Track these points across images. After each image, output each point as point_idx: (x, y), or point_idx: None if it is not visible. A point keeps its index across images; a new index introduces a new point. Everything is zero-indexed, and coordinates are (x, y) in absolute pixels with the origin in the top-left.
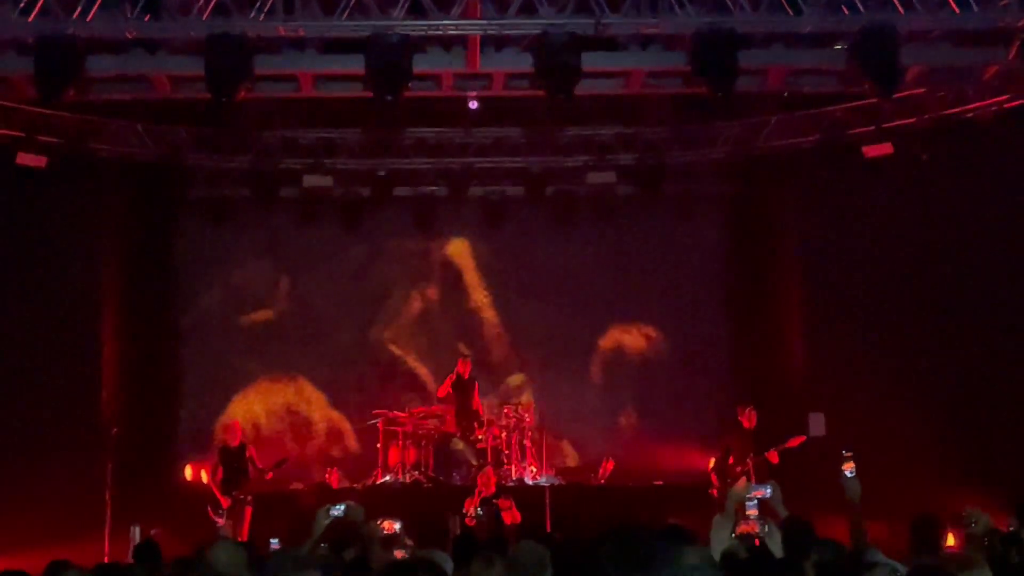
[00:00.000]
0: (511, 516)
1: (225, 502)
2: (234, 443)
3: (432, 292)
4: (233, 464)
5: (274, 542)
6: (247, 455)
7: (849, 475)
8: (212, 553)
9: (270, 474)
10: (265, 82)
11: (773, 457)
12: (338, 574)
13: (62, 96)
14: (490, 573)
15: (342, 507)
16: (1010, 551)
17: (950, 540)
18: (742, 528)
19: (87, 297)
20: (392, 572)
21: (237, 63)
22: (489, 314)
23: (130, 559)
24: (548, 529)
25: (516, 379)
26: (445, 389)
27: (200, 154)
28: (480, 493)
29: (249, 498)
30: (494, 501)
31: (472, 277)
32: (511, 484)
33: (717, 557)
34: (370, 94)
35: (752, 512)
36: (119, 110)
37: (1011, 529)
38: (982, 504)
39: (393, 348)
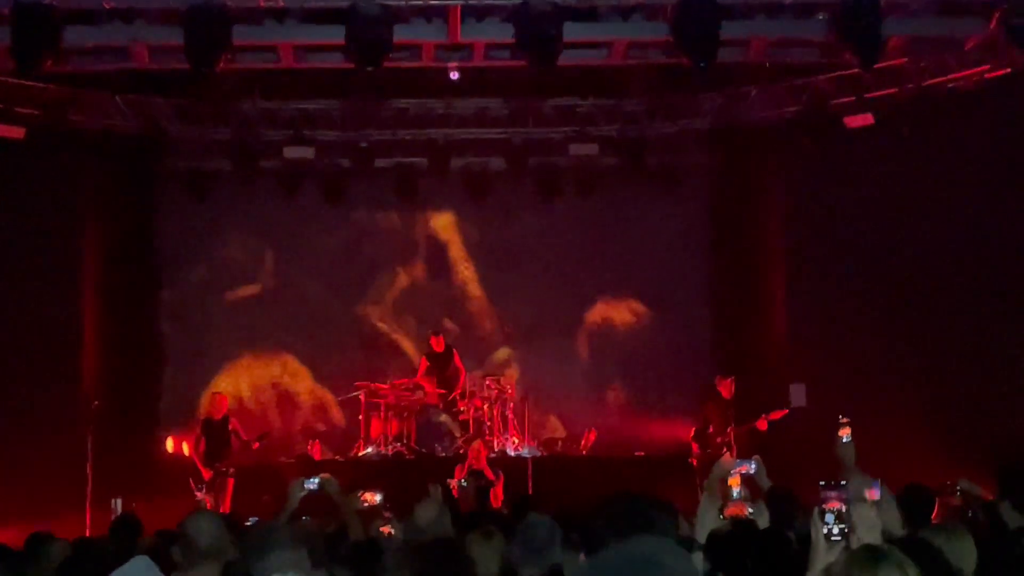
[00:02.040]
0: (494, 498)
1: (207, 474)
2: (218, 415)
3: (417, 266)
4: (216, 436)
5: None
6: (230, 427)
7: (845, 440)
8: (192, 525)
9: (256, 444)
10: (245, 53)
11: (762, 424)
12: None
13: (39, 67)
14: (490, 546)
15: (316, 480)
16: (985, 516)
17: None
18: (731, 510)
19: (67, 269)
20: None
21: (216, 34)
22: (474, 288)
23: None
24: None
25: (502, 353)
26: (421, 370)
27: (180, 126)
28: (470, 465)
29: (231, 470)
30: (484, 477)
31: (457, 250)
32: (493, 455)
33: (703, 538)
34: (351, 65)
35: (735, 483)
36: (98, 81)
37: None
38: (968, 474)
39: (378, 323)
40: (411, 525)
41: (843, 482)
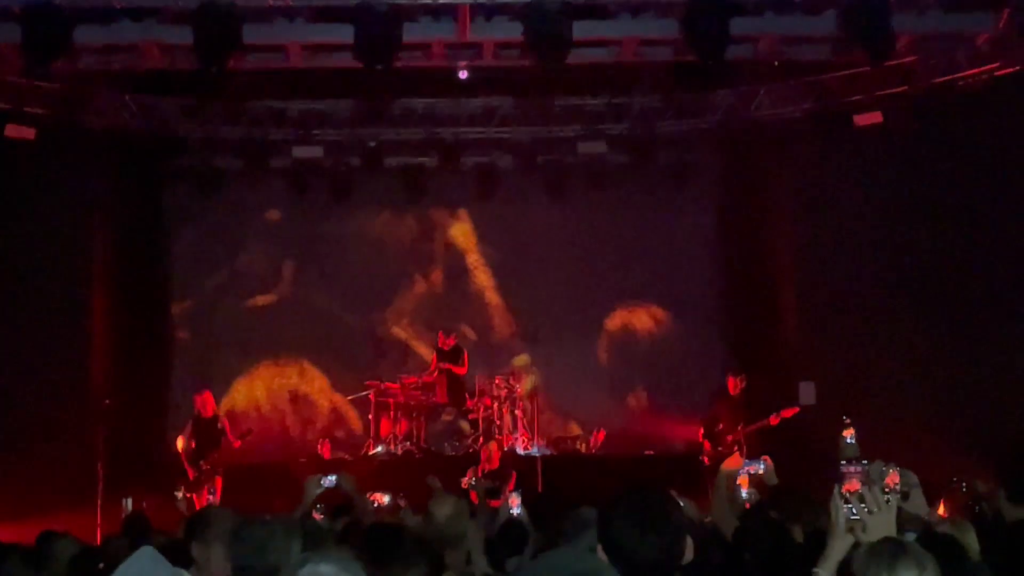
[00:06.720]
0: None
1: (191, 473)
2: (207, 413)
3: (433, 271)
4: (204, 434)
5: None
6: (220, 426)
7: (849, 441)
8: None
9: (238, 443)
10: (254, 52)
11: (774, 421)
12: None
13: (49, 67)
14: None
15: (334, 477)
16: (990, 511)
17: (940, 509)
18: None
19: (77, 269)
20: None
21: (226, 33)
22: (491, 292)
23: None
24: None
25: (521, 360)
26: (433, 368)
27: (189, 125)
28: (483, 467)
29: (219, 468)
30: (499, 477)
31: (472, 255)
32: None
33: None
34: (359, 64)
35: (743, 483)
36: (107, 81)
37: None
38: (975, 472)
39: (394, 329)
40: (430, 522)
41: (864, 462)
